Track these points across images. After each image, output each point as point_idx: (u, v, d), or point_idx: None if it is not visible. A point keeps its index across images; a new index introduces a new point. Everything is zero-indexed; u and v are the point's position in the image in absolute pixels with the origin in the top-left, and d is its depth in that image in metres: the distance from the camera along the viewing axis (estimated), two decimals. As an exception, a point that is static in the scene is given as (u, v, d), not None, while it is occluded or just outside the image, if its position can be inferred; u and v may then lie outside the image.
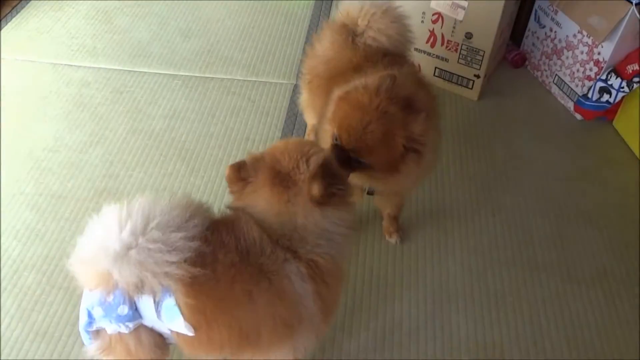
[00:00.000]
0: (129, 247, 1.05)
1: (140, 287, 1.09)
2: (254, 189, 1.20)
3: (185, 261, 1.08)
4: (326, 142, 1.52)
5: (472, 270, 1.88)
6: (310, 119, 2.04)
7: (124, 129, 2.33)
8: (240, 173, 1.21)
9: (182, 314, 1.13)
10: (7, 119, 2.36)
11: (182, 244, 1.08)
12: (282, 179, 1.18)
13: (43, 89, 2.50)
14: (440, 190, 2.12)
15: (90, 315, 1.17)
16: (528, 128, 2.40)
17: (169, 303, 1.13)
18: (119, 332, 1.19)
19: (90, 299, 1.16)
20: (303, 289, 1.18)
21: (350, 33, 1.76)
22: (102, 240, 1.07)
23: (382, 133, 1.40)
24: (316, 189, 1.15)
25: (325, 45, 1.81)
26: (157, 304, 1.14)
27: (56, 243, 1.91)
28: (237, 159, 2.16)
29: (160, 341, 1.26)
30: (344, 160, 1.43)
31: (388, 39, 1.74)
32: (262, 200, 1.19)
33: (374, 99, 1.40)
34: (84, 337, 1.23)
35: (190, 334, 1.16)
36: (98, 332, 1.22)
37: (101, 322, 1.18)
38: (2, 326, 1.70)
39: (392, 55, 1.73)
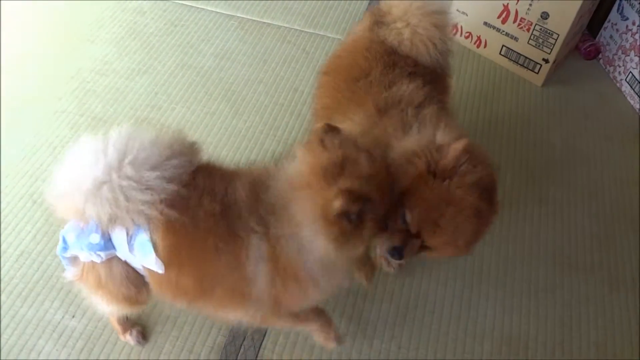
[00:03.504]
0: (102, 183, 1.03)
1: (113, 221, 1.07)
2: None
3: (161, 202, 1.05)
4: None
5: (508, 258, 1.80)
6: None
7: (172, 62, 2.29)
8: (331, 136, 1.08)
9: (155, 250, 1.11)
10: (60, 38, 2.36)
11: (156, 184, 1.04)
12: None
13: (99, 12, 2.48)
14: (487, 172, 2.02)
15: (64, 241, 1.16)
16: (590, 123, 2.27)
17: (142, 238, 1.11)
18: (92, 261, 1.17)
19: (68, 224, 1.15)
20: (258, 267, 1.11)
21: (378, 19, 1.56)
22: (76, 176, 1.05)
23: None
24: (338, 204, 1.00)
25: (358, 27, 1.65)
26: (130, 238, 1.12)
27: (90, 164, 1.90)
28: (283, 109, 2.17)
29: (133, 276, 1.22)
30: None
31: (412, 37, 1.50)
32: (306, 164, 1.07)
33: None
34: (63, 262, 1.22)
35: (160, 271, 1.13)
36: (75, 259, 1.21)
37: (74, 249, 1.16)
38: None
39: (409, 62, 1.50)
